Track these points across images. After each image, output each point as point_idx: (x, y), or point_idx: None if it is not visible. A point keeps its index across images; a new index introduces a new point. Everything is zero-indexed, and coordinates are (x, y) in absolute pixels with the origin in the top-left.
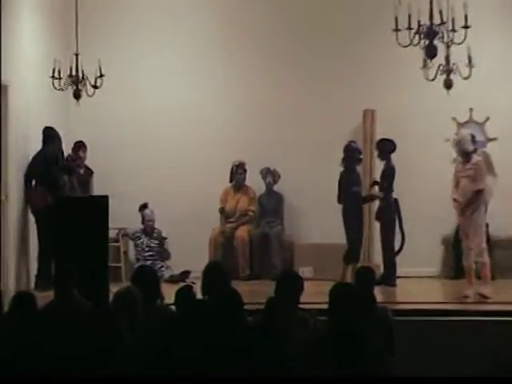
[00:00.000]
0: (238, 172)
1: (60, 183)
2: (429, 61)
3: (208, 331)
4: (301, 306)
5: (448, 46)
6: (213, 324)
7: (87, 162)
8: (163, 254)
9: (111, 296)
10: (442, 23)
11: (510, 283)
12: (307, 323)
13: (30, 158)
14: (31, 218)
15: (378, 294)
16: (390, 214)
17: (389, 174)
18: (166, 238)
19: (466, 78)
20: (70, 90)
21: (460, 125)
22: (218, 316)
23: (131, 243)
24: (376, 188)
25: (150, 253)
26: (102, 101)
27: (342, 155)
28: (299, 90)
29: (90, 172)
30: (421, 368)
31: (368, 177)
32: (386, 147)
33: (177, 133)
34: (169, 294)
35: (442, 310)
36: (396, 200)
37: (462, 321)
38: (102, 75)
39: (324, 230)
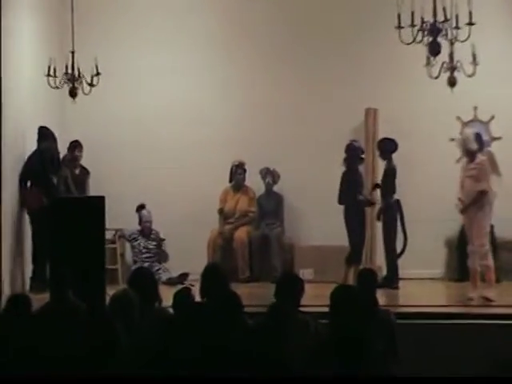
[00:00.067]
0: (237, 172)
1: (55, 183)
2: (432, 58)
3: (207, 334)
4: (302, 308)
5: (452, 43)
6: (211, 327)
7: (83, 162)
8: (161, 256)
9: (108, 299)
10: (446, 20)
11: None
12: (308, 326)
13: (26, 158)
14: (26, 219)
15: (381, 296)
16: (391, 214)
17: (390, 174)
18: (163, 240)
19: (470, 76)
20: (66, 89)
21: (464, 124)
22: (217, 319)
23: (128, 245)
24: (378, 191)
25: (148, 254)
26: (98, 100)
27: (343, 155)
28: (299, 89)
29: (86, 172)
30: (423, 372)
31: (370, 177)
32: (388, 147)
33: (175, 132)
34: (167, 296)
35: (446, 313)
36: (398, 201)
37: (465, 324)
38: (98, 73)
39: (325, 232)
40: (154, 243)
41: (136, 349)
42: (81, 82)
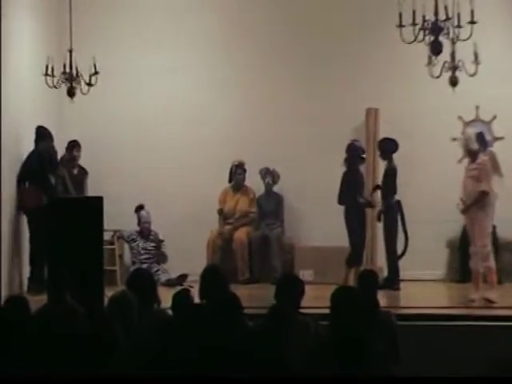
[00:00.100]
0: (237, 172)
1: (54, 183)
2: (434, 57)
3: (206, 336)
4: (302, 310)
5: (453, 43)
6: (211, 329)
7: (81, 162)
8: (160, 257)
9: (106, 300)
10: (448, 19)
11: None
12: (308, 328)
13: (23, 158)
14: (24, 220)
15: (382, 298)
16: (391, 215)
17: (391, 174)
18: (162, 241)
19: (472, 75)
20: (64, 88)
21: (466, 123)
22: (217, 321)
23: (127, 246)
24: (378, 193)
25: (146, 256)
26: (97, 99)
27: (344, 155)
28: (300, 89)
29: (84, 172)
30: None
31: (371, 177)
32: (388, 147)
33: (175, 132)
34: (165, 298)
35: (447, 314)
36: (398, 202)
37: (467, 326)
38: (96, 72)
39: (325, 232)
40: (153, 244)
41: (135, 351)
42: (79, 82)
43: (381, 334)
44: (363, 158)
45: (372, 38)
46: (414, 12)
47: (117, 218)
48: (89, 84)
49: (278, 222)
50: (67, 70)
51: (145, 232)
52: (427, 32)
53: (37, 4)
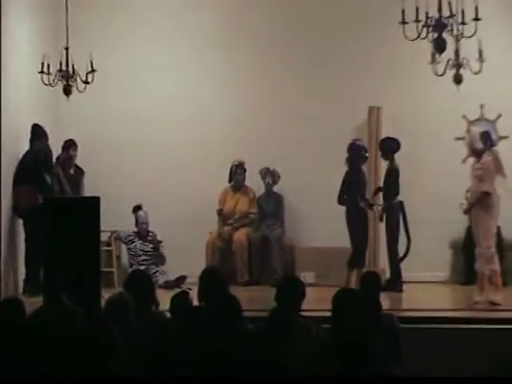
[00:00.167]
0: (237, 172)
1: (49, 183)
2: (437, 55)
3: (205, 339)
4: (303, 313)
5: (457, 40)
6: (210, 332)
7: (78, 161)
8: (158, 259)
9: (103, 302)
10: (452, 15)
11: None
12: (310, 331)
13: (19, 157)
14: (19, 220)
15: (384, 300)
16: (393, 216)
17: (392, 174)
18: (160, 242)
19: (476, 73)
20: (60, 86)
21: (470, 122)
22: (216, 323)
23: (124, 247)
24: (381, 195)
25: (144, 257)
26: (93, 98)
27: (345, 154)
28: (300, 88)
29: (80, 172)
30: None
31: (373, 177)
32: (390, 147)
33: (173, 132)
34: (164, 300)
35: (451, 317)
36: (401, 202)
37: (471, 329)
38: (93, 70)
39: (327, 233)
40: (151, 245)
41: (132, 354)
42: (75, 80)
43: (383, 337)
44: (365, 158)
45: (373, 36)
46: (417, 9)
47: (114, 219)
48: (85, 82)
49: (278, 222)
50: (63, 67)
51: (142, 233)
52: (431, 29)
53: (34, 3)
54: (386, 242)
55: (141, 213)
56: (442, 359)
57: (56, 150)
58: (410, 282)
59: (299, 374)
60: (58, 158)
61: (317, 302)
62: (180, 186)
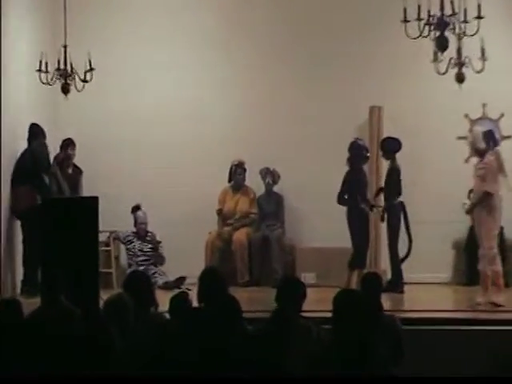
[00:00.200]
0: (237, 172)
1: (47, 183)
2: (439, 53)
3: (205, 341)
4: (303, 314)
5: (460, 38)
6: (210, 333)
7: (76, 161)
8: (157, 259)
9: (102, 303)
10: (454, 14)
11: None
12: (310, 332)
13: (17, 157)
14: (17, 221)
15: (385, 301)
16: (394, 216)
17: (394, 174)
18: (160, 242)
19: (478, 72)
20: (58, 85)
21: (473, 121)
22: (215, 325)
23: (123, 247)
24: (382, 196)
25: (143, 257)
26: (92, 97)
27: (346, 154)
28: (300, 88)
29: (79, 171)
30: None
31: (374, 176)
32: (391, 146)
33: (173, 131)
34: (163, 301)
35: (453, 318)
36: (401, 202)
37: (473, 330)
38: (91, 69)
39: (327, 233)
40: (150, 246)
41: (131, 355)
42: (73, 78)
43: (385, 339)
44: (366, 157)
45: (374, 35)
46: (419, 7)
47: (113, 219)
48: (84, 80)
49: (278, 222)
50: (61, 66)
51: (141, 233)
52: (433, 27)
53: (33, 3)
54: (387, 242)
55: (139, 213)
56: (443, 361)
57: (54, 149)
58: (411, 283)
59: (299, 375)
60: (55, 158)
61: (317, 302)
62: (180, 185)
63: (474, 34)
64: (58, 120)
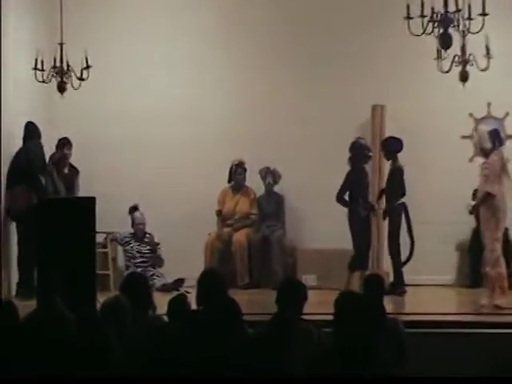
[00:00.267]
0: (237, 172)
1: (43, 183)
2: (443, 51)
3: (204, 344)
4: (304, 316)
5: (464, 35)
6: (209, 336)
7: (72, 160)
8: (155, 261)
9: (98, 306)
10: (458, 10)
11: None
12: (311, 335)
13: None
14: (12, 222)
15: (387, 303)
16: (395, 217)
17: (396, 174)
18: (158, 244)
19: (483, 70)
20: (54, 83)
21: (477, 121)
22: (215, 328)
23: (120, 249)
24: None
25: (141, 259)
26: (89, 96)
27: (348, 153)
28: (301, 87)
29: (75, 171)
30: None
31: (377, 176)
32: (393, 146)
33: (172, 131)
34: (161, 303)
35: (457, 321)
36: (403, 204)
37: (477, 333)
38: (88, 66)
39: (329, 234)
40: (148, 247)
41: (128, 359)
42: (70, 76)
43: (387, 342)
44: (368, 157)
45: (377, 32)
46: (422, 3)
47: (110, 220)
48: (80, 78)
49: (279, 223)
50: (57, 63)
51: (139, 234)
52: (436, 24)
53: (30, 2)
54: (387, 243)
55: (137, 214)
56: (446, 364)
57: (50, 148)
58: (414, 285)
59: (299, 376)
60: (51, 157)
61: (319, 305)
62: (179, 186)
63: (479, 31)
64: (54, 119)
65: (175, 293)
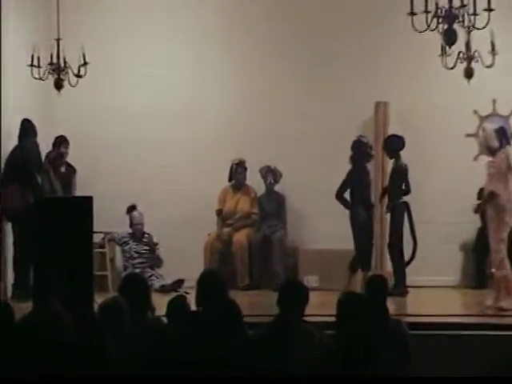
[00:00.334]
0: (237, 171)
1: (40, 182)
2: (448, 47)
3: (203, 346)
4: (306, 318)
5: (469, 31)
6: (209, 338)
7: (69, 159)
8: (154, 261)
9: (96, 307)
10: (463, 6)
11: None
12: (313, 337)
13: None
14: (7, 222)
15: (391, 305)
16: (397, 216)
17: (398, 173)
18: (157, 244)
19: (488, 67)
20: (51, 80)
21: (482, 118)
22: (215, 329)
23: (118, 249)
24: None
25: (140, 260)
26: (87, 93)
27: (349, 152)
28: (302, 85)
29: (72, 170)
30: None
31: (380, 175)
32: (395, 145)
33: (171, 129)
34: (160, 305)
35: (461, 323)
36: (405, 203)
37: (481, 335)
38: (85, 63)
39: (331, 234)
40: (147, 247)
41: (127, 361)
42: (67, 73)
43: (391, 344)
44: (370, 156)
45: (381, 27)
46: None
47: (107, 220)
48: (78, 75)
49: (280, 223)
50: (54, 60)
51: (137, 234)
52: (441, 20)
53: (28, 3)
54: (388, 243)
55: (135, 213)
56: (450, 366)
57: (47, 146)
58: (418, 287)
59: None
60: (47, 156)
61: (320, 306)
62: (179, 184)
63: (484, 26)
64: (51, 117)
65: (174, 294)
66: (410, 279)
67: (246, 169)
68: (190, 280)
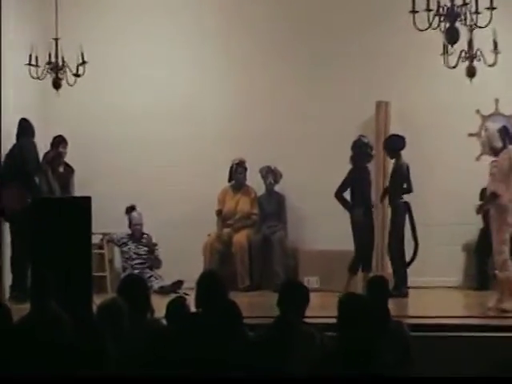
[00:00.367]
0: (237, 171)
1: (38, 182)
2: (450, 46)
3: (203, 348)
4: (306, 319)
5: (471, 30)
6: (208, 340)
7: (67, 159)
8: (153, 262)
9: (95, 309)
10: (465, 4)
11: None
12: (313, 339)
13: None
14: (5, 223)
15: (392, 306)
16: (398, 217)
17: (399, 173)
18: (156, 245)
19: (491, 66)
20: (50, 80)
21: (485, 118)
22: (215, 331)
23: (117, 250)
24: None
25: (139, 260)
26: (85, 93)
27: (350, 152)
28: (303, 85)
29: (70, 170)
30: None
31: (381, 175)
32: (395, 144)
33: (171, 129)
34: (159, 306)
35: (463, 324)
36: (406, 203)
37: (483, 337)
38: (84, 62)
39: (332, 235)
40: (146, 248)
41: (126, 363)
42: (65, 72)
43: (392, 345)
44: (371, 156)
45: (382, 26)
46: None
47: (106, 220)
48: (76, 75)
49: (280, 223)
50: (52, 59)
51: (136, 235)
52: (442, 18)
53: (27, 2)
54: (388, 243)
55: (134, 214)
56: (451, 368)
57: (45, 146)
58: (419, 287)
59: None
60: (45, 156)
61: (321, 308)
62: (178, 184)
63: (486, 25)
64: (49, 117)
65: (174, 295)
66: (411, 280)
67: (246, 169)
68: (190, 281)
